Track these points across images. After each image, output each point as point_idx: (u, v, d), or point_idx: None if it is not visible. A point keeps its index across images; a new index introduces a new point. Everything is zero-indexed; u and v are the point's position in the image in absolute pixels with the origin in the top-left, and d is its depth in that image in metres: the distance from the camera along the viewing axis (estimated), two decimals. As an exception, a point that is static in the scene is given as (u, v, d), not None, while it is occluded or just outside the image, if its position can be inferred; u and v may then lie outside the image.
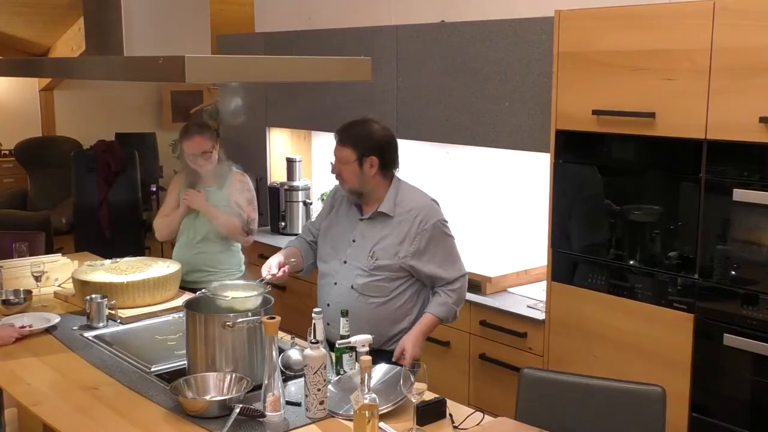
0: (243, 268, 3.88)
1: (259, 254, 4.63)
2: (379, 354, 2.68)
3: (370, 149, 2.79)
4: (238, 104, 5.19)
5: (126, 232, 6.28)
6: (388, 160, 2.84)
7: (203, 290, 2.69)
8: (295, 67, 2.41)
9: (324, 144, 5.01)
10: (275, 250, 4.50)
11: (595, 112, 2.92)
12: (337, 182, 2.91)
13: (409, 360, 2.70)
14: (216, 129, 3.70)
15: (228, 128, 5.36)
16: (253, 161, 5.06)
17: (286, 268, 2.91)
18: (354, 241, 2.87)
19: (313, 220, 3.23)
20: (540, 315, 3.23)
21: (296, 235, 4.68)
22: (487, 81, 3.62)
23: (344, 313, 2.58)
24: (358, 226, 2.88)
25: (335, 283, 2.89)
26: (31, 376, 2.61)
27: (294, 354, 2.58)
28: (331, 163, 2.87)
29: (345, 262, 2.87)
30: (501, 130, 3.59)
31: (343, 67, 2.54)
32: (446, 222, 2.91)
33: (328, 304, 2.86)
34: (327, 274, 2.94)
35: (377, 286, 2.82)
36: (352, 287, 2.84)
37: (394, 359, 2.74)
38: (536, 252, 3.60)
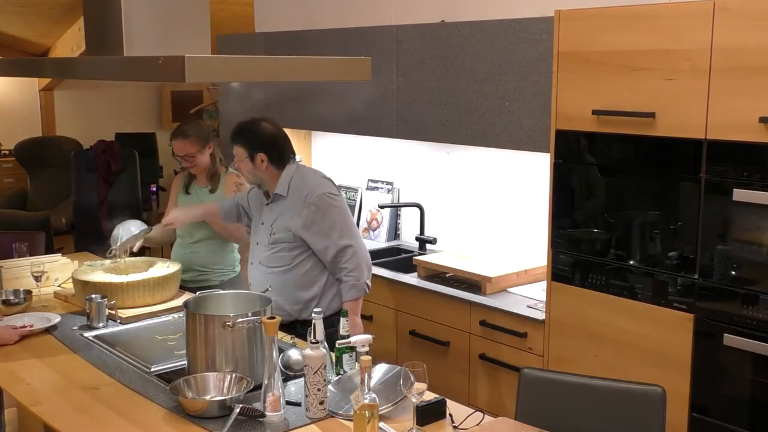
0: (237, 267, 3.88)
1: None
2: (295, 324, 3.09)
3: (258, 147, 3.09)
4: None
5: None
6: (276, 155, 3.12)
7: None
8: (295, 67, 2.41)
9: (324, 144, 5.01)
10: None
11: (595, 112, 2.92)
12: None
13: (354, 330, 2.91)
14: (215, 130, 3.67)
15: (228, 128, 5.36)
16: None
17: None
18: (262, 224, 3.21)
19: (246, 193, 3.45)
20: (540, 315, 3.23)
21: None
22: (487, 81, 3.62)
23: (344, 313, 2.58)
24: (264, 210, 3.22)
25: (251, 263, 3.25)
26: (31, 376, 2.61)
27: (294, 354, 2.58)
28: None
29: (257, 243, 3.23)
30: (501, 130, 3.59)
31: (343, 67, 2.54)
32: (333, 194, 3.12)
33: (250, 284, 3.24)
34: (250, 257, 3.29)
35: (277, 257, 3.13)
36: (260, 263, 3.19)
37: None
38: (536, 252, 3.60)
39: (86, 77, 2.72)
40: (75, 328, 3.06)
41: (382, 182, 4.58)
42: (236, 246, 3.87)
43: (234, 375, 2.40)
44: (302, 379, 2.33)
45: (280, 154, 3.14)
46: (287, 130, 5.06)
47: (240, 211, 3.42)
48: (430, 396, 2.29)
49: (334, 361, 2.54)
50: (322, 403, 2.28)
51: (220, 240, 3.74)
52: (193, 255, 3.70)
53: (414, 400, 2.17)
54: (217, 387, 2.39)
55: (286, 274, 3.12)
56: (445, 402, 2.30)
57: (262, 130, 3.13)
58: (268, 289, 2.90)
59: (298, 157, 3.28)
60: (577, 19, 2.96)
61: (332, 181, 3.21)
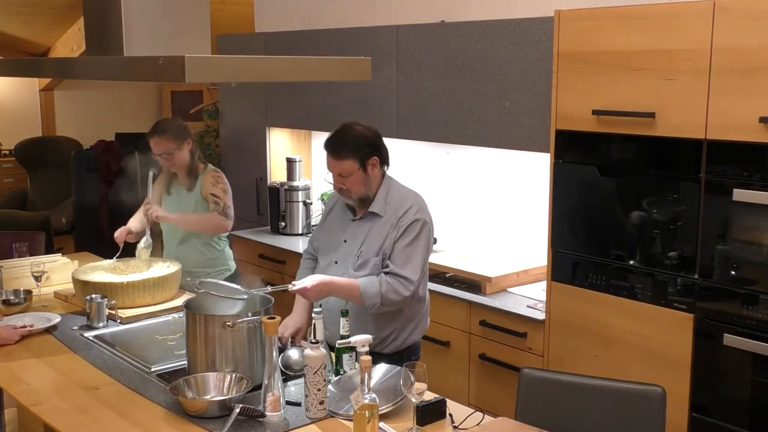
0: (233, 265, 3.87)
1: (259, 254, 4.64)
2: (375, 357, 2.56)
3: (369, 151, 2.76)
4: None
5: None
6: (385, 155, 2.83)
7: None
8: (295, 67, 2.41)
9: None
10: (275, 250, 4.52)
11: (595, 112, 2.92)
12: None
13: (298, 288, 2.66)
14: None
15: (228, 128, 5.37)
16: (253, 161, 5.06)
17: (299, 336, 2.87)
18: (345, 241, 2.85)
19: (312, 234, 3.15)
20: (540, 315, 3.23)
21: (300, 234, 4.72)
22: (487, 81, 3.62)
23: (344, 313, 2.58)
24: (349, 226, 2.87)
25: None
26: (31, 376, 2.61)
27: (294, 354, 2.58)
28: (329, 180, 2.84)
29: (336, 262, 2.86)
30: (501, 130, 3.59)
31: (343, 67, 2.54)
32: (424, 223, 2.77)
33: (320, 305, 2.76)
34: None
35: None
36: None
37: (293, 290, 2.69)
38: (536, 252, 3.60)
39: (86, 77, 2.72)
40: (75, 328, 3.06)
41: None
42: (226, 242, 3.85)
43: (234, 375, 2.40)
44: (302, 379, 2.33)
45: (386, 152, 2.82)
46: (287, 130, 5.11)
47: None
48: (430, 396, 2.29)
49: (334, 361, 2.54)
50: (322, 403, 2.28)
51: (203, 238, 3.73)
52: (180, 258, 3.63)
53: (414, 400, 2.17)
54: (217, 387, 2.39)
55: (317, 276, 2.75)
56: (445, 402, 2.30)
57: (363, 133, 2.77)
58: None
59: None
60: (577, 19, 2.96)
61: (424, 203, 2.85)
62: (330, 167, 2.80)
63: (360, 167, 2.74)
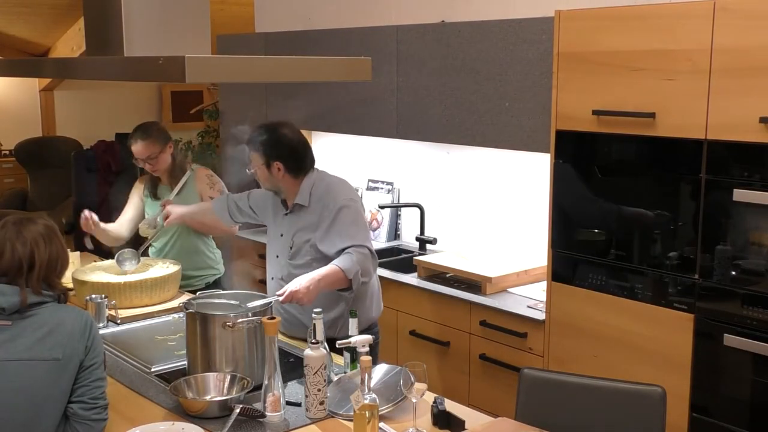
0: (222, 268, 3.85)
1: (259, 254, 4.63)
2: (331, 343, 2.61)
3: (275, 156, 2.91)
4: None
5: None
6: (294, 164, 2.93)
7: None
8: (295, 67, 2.41)
9: (324, 144, 5.00)
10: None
11: (595, 112, 2.92)
12: None
13: (287, 296, 2.67)
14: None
15: (228, 128, 5.36)
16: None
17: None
18: (282, 235, 3.01)
19: (252, 194, 3.26)
20: (540, 315, 3.23)
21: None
22: (487, 81, 3.62)
23: (353, 314, 2.57)
24: (284, 221, 3.02)
25: (272, 278, 3.05)
26: (31, 376, 2.61)
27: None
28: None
29: (277, 256, 3.03)
30: (501, 130, 3.59)
31: (343, 67, 2.53)
32: (353, 198, 2.95)
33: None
34: (269, 271, 3.10)
35: (297, 275, 2.79)
36: (281, 279, 2.95)
37: (281, 300, 2.70)
38: (536, 252, 3.60)
39: (86, 77, 2.72)
40: (75, 328, 3.05)
41: (383, 182, 4.58)
42: (212, 245, 3.82)
43: (234, 375, 2.40)
44: (302, 379, 2.33)
45: (298, 162, 2.94)
46: (287, 130, 5.08)
47: (233, 209, 3.25)
48: (430, 396, 2.29)
49: (348, 360, 2.54)
50: (322, 403, 2.28)
51: (188, 245, 3.69)
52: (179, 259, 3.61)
53: (414, 400, 2.17)
54: (217, 387, 2.39)
55: (299, 278, 2.78)
56: (463, 423, 2.24)
57: (280, 137, 2.93)
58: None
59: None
60: (577, 19, 2.96)
61: (352, 187, 3.04)
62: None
63: (264, 165, 2.93)
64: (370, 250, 2.88)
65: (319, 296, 2.74)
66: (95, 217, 3.60)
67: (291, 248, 2.95)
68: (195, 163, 3.81)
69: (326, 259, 2.85)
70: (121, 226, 3.79)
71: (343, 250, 2.83)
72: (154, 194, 3.73)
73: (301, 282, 2.70)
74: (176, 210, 3.46)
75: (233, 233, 3.74)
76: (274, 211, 3.07)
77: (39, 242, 2.10)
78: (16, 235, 2.09)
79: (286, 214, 3.01)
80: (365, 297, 3.00)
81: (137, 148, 3.60)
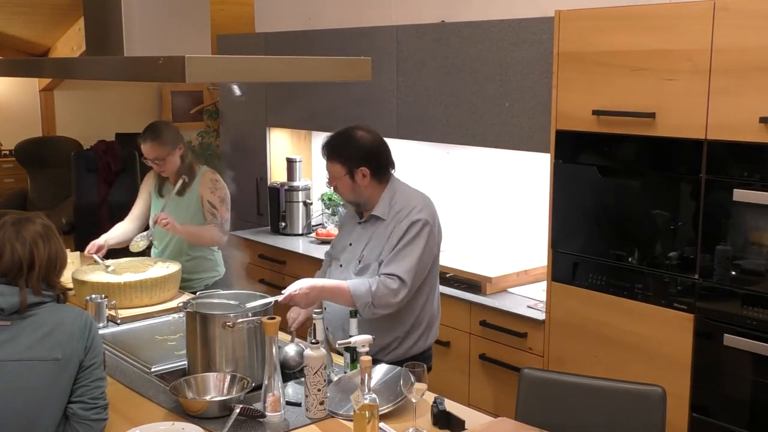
0: (221, 269, 3.83)
1: (259, 254, 4.64)
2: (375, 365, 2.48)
3: (359, 161, 2.71)
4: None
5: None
6: (379, 167, 2.75)
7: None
8: (295, 67, 2.41)
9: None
10: (276, 250, 4.52)
11: (595, 112, 2.92)
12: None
13: (285, 298, 2.60)
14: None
15: (228, 128, 5.37)
16: (253, 161, 5.06)
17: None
18: (351, 245, 2.84)
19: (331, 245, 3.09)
20: (540, 315, 3.23)
21: (300, 235, 4.73)
22: (487, 81, 3.62)
23: (353, 314, 2.56)
24: (355, 230, 2.85)
25: None
26: (31, 376, 2.61)
27: (291, 350, 2.57)
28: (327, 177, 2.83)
29: (341, 265, 2.85)
30: (501, 130, 3.59)
31: (343, 67, 2.53)
32: (425, 223, 2.69)
33: (325, 308, 2.77)
34: (329, 275, 2.93)
35: None
36: None
37: (281, 300, 2.61)
38: (536, 252, 3.60)
39: (86, 77, 2.72)
40: (75, 328, 3.05)
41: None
42: (214, 247, 3.81)
43: (234, 375, 2.40)
44: (302, 379, 2.33)
45: (383, 165, 2.75)
46: (287, 130, 5.11)
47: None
48: (430, 396, 2.29)
49: (348, 360, 2.53)
50: (322, 403, 2.28)
51: (188, 247, 3.68)
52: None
53: (414, 400, 2.17)
54: (217, 387, 2.39)
55: (309, 280, 2.70)
56: (463, 423, 2.24)
57: (360, 140, 2.72)
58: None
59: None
60: (577, 19, 2.96)
61: (433, 209, 2.78)
62: (326, 166, 2.81)
63: (347, 174, 2.71)
64: (402, 281, 2.63)
65: (379, 320, 2.66)
66: (104, 241, 3.66)
67: (360, 262, 2.75)
68: (203, 165, 3.78)
69: None
70: (129, 224, 3.81)
71: (379, 265, 2.68)
72: (160, 192, 3.74)
73: (301, 285, 2.62)
74: (170, 221, 3.49)
75: (221, 244, 3.71)
76: (348, 220, 2.93)
77: (38, 242, 2.10)
78: (15, 236, 2.09)
79: (360, 222, 2.82)
80: (414, 326, 2.79)
81: (146, 148, 3.58)
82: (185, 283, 3.60)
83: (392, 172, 2.82)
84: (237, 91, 5.13)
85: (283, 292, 2.66)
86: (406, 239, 2.67)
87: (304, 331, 2.84)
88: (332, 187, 2.82)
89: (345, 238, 2.89)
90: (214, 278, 3.78)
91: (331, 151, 2.74)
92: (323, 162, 2.82)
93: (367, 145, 2.74)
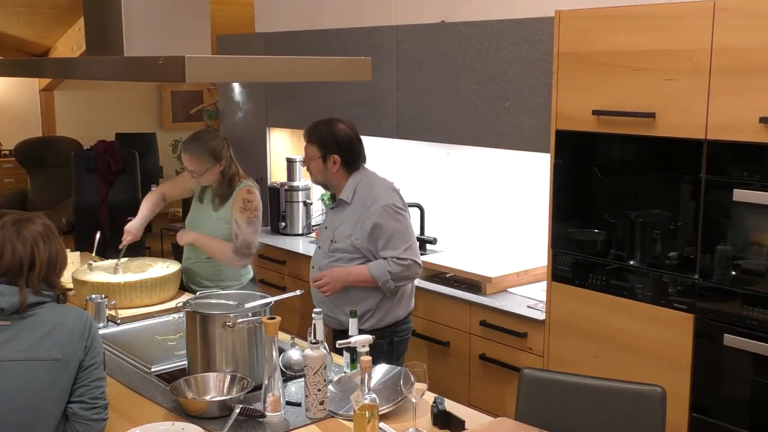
0: (246, 277, 3.61)
1: (259, 254, 4.63)
2: (346, 335, 2.58)
3: (333, 149, 3.05)
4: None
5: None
6: (350, 158, 3.09)
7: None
8: (295, 67, 2.41)
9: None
10: (276, 250, 4.52)
11: (595, 113, 2.92)
12: None
13: (317, 283, 3.06)
14: (222, 148, 3.35)
15: (228, 128, 5.37)
16: (253, 161, 5.06)
17: None
18: (326, 228, 3.19)
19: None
20: (540, 315, 3.23)
21: (300, 235, 4.75)
22: (487, 81, 3.62)
23: (352, 314, 2.57)
24: (328, 214, 3.24)
25: (312, 267, 3.22)
26: (31, 376, 2.60)
27: (294, 354, 2.58)
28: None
29: (319, 247, 3.21)
30: (501, 130, 3.59)
31: (343, 67, 2.54)
32: (398, 207, 3.05)
33: (311, 288, 3.17)
34: (312, 261, 3.27)
35: (335, 266, 3.08)
36: (319, 269, 3.14)
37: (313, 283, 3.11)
38: (536, 252, 3.60)
39: (86, 77, 2.72)
40: (75, 328, 3.05)
41: (382, 182, 4.57)
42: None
43: (234, 375, 2.40)
44: (302, 379, 2.33)
45: (354, 157, 3.09)
46: (287, 130, 5.10)
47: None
48: (430, 396, 2.29)
49: (348, 360, 2.54)
50: (322, 403, 2.28)
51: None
52: (197, 265, 3.54)
53: (414, 400, 2.17)
54: (217, 387, 2.39)
55: (332, 269, 3.08)
56: (463, 423, 2.24)
57: (338, 131, 3.06)
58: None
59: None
60: (577, 19, 2.96)
61: (399, 194, 3.13)
62: (305, 146, 3.14)
63: (321, 158, 3.06)
64: (415, 261, 3.04)
65: (351, 288, 3.05)
66: (130, 228, 3.64)
67: (332, 241, 3.09)
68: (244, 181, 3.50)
69: (364, 259, 3.05)
70: (169, 188, 3.80)
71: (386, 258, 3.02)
72: (201, 198, 3.57)
73: (330, 274, 3.04)
74: (184, 237, 3.49)
75: (234, 265, 3.53)
76: (328, 206, 3.24)
77: (39, 242, 2.10)
78: (16, 235, 2.09)
79: (332, 208, 3.18)
80: (393, 296, 3.12)
81: (185, 157, 3.38)
82: (204, 288, 3.33)
83: (363, 164, 3.15)
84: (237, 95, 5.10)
85: (315, 278, 3.08)
86: (384, 223, 3.00)
87: (304, 331, 2.85)
88: (305, 167, 3.17)
89: (323, 223, 3.28)
90: (233, 286, 3.52)
91: (312, 134, 3.09)
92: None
93: (344, 136, 3.07)
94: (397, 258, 3.00)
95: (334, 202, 3.16)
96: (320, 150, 3.06)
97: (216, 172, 3.40)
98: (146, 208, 3.73)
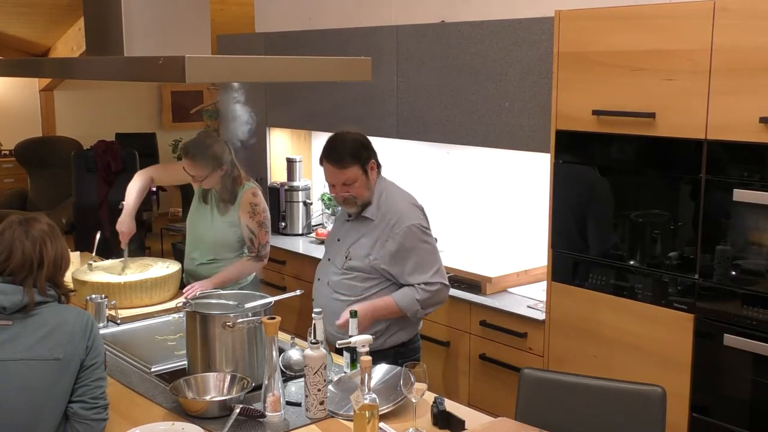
0: (249, 277, 3.57)
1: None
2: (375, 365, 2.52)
3: (367, 156, 2.83)
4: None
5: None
6: (377, 156, 2.90)
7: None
8: (295, 67, 2.41)
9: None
10: (276, 250, 4.52)
11: (595, 112, 2.92)
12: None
13: (342, 321, 2.69)
14: (224, 153, 3.32)
15: (228, 128, 5.37)
16: (253, 161, 5.06)
17: None
18: (339, 240, 2.94)
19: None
20: (540, 315, 3.23)
21: (300, 234, 4.74)
22: (487, 81, 3.62)
23: (353, 314, 2.57)
24: (344, 225, 2.95)
25: (318, 279, 2.98)
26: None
27: (294, 354, 2.58)
28: (332, 189, 2.85)
29: (329, 259, 2.96)
30: (501, 130, 3.59)
31: (343, 67, 2.54)
32: (424, 227, 2.84)
33: (313, 299, 2.95)
34: (317, 271, 3.04)
35: (348, 285, 2.85)
36: (327, 284, 2.91)
37: (337, 324, 2.73)
38: (536, 252, 3.60)
39: (86, 77, 2.72)
40: (75, 328, 3.05)
41: (382, 182, 4.57)
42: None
43: (234, 375, 2.40)
44: (302, 379, 2.33)
45: (377, 155, 2.89)
46: (287, 130, 5.11)
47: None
48: (430, 396, 2.29)
49: (348, 360, 2.53)
50: (322, 403, 2.28)
51: (224, 261, 3.48)
52: (201, 267, 3.50)
53: (414, 400, 2.17)
54: (217, 387, 2.39)
55: (354, 305, 2.75)
56: (463, 423, 2.24)
57: (358, 139, 2.84)
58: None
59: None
60: (577, 19, 2.96)
61: (423, 211, 2.92)
62: (332, 178, 2.82)
63: (363, 172, 2.80)
64: (443, 284, 2.84)
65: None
66: (121, 229, 3.56)
67: (346, 258, 2.85)
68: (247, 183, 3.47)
69: (380, 279, 2.82)
70: (159, 174, 3.74)
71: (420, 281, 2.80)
72: (204, 199, 3.50)
73: (360, 311, 2.66)
74: (196, 288, 3.21)
75: (258, 271, 3.55)
76: (339, 216, 3.01)
77: (46, 241, 2.11)
78: (24, 235, 2.09)
79: (348, 220, 2.92)
80: (397, 319, 2.89)
81: (185, 161, 3.34)
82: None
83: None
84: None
85: (340, 321, 2.71)
86: (410, 245, 2.79)
87: (303, 331, 2.85)
88: (343, 198, 2.83)
89: (335, 232, 3.00)
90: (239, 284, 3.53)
91: (342, 155, 2.78)
92: (321, 168, 2.85)
93: (363, 139, 2.86)
94: (425, 283, 2.79)
95: (350, 215, 2.90)
96: (359, 166, 2.78)
97: (217, 177, 3.35)
98: (132, 198, 3.58)
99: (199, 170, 3.32)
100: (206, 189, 3.49)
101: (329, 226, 4.66)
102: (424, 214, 2.91)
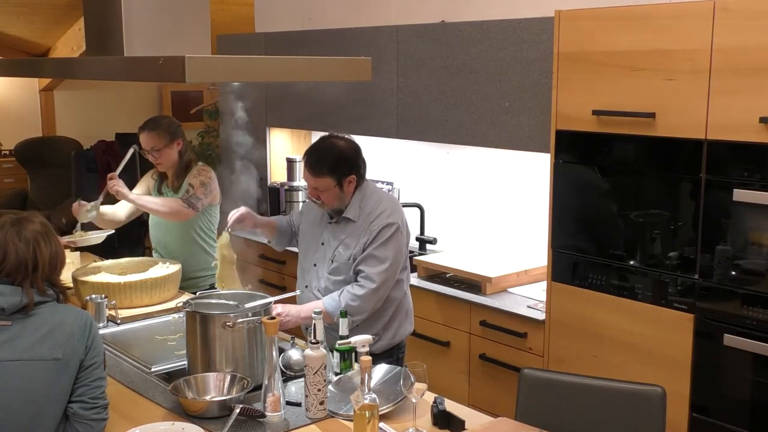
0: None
1: (259, 254, 4.64)
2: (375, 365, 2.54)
3: (348, 171, 2.79)
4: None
5: (126, 233, 6.27)
6: (363, 171, 2.86)
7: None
8: (295, 67, 2.41)
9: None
10: (275, 250, 4.51)
11: (595, 112, 2.92)
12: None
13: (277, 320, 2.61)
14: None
15: (228, 128, 5.37)
16: (253, 161, 5.06)
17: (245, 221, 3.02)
18: (323, 244, 2.91)
19: (294, 213, 3.31)
20: (540, 315, 3.23)
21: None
22: (487, 81, 3.62)
23: (343, 314, 2.58)
24: (326, 229, 2.91)
25: (306, 287, 2.95)
26: (31, 376, 2.60)
27: (294, 354, 2.58)
28: (305, 189, 2.89)
29: (315, 264, 2.93)
30: (501, 130, 3.59)
31: (343, 67, 2.53)
32: (396, 228, 2.80)
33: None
34: (302, 278, 3.00)
35: (335, 289, 2.83)
36: (318, 290, 2.90)
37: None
38: (536, 252, 3.60)
39: (86, 77, 2.72)
40: (75, 328, 3.05)
41: (382, 182, 4.57)
42: (214, 246, 3.69)
43: (234, 375, 2.40)
44: (302, 379, 2.33)
45: (364, 171, 2.86)
46: (287, 130, 5.10)
47: (291, 232, 3.16)
48: (430, 396, 2.29)
49: (339, 362, 2.53)
50: (322, 403, 2.28)
51: (193, 246, 3.66)
52: (179, 261, 3.55)
53: (414, 400, 2.17)
54: (217, 387, 2.39)
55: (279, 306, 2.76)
56: (463, 423, 2.24)
57: (344, 152, 2.79)
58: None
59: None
60: (577, 19, 2.96)
61: (402, 214, 2.88)
62: (306, 178, 2.84)
63: (336, 185, 2.78)
64: (373, 290, 2.75)
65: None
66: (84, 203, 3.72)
67: (332, 261, 2.84)
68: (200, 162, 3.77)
69: None
70: (118, 208, 3.84)
71: (357, 273, 2.79)
72: (159, 190, 3.75)
73: (289, 310, 2.75)
74: (120, 188, 3.60)
75: (182, 217, 3.59)
76: (317, 217, 2.95)
77: (40, 241, 2.11)
78: (17, 236, 2.09)
79: (330, 222, 2.89)
80: (393, 317, 2.90)
81: (143, 137, 3.63)
82: (190, 281, 3.58)
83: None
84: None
85: (274, 313, 2.65)
86: (378, 242, 2.78)
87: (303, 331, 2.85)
88: (311, 199, 2.87)
89: (317, 237, 2.94)
90: (212, 276, 3.66)
91: (319, 164, 2.77)
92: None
93: (350, 152, 2.82)
94: (361, 275, 2.77)
95: (332, 217, 2.89)
96: (335, 178, 2.75)
97: (175, 151, 3.60)
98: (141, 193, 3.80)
99: (156, 140, 3.57)
100: (162, 178, 3.70)
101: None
102: (404, 219, 2.88)
